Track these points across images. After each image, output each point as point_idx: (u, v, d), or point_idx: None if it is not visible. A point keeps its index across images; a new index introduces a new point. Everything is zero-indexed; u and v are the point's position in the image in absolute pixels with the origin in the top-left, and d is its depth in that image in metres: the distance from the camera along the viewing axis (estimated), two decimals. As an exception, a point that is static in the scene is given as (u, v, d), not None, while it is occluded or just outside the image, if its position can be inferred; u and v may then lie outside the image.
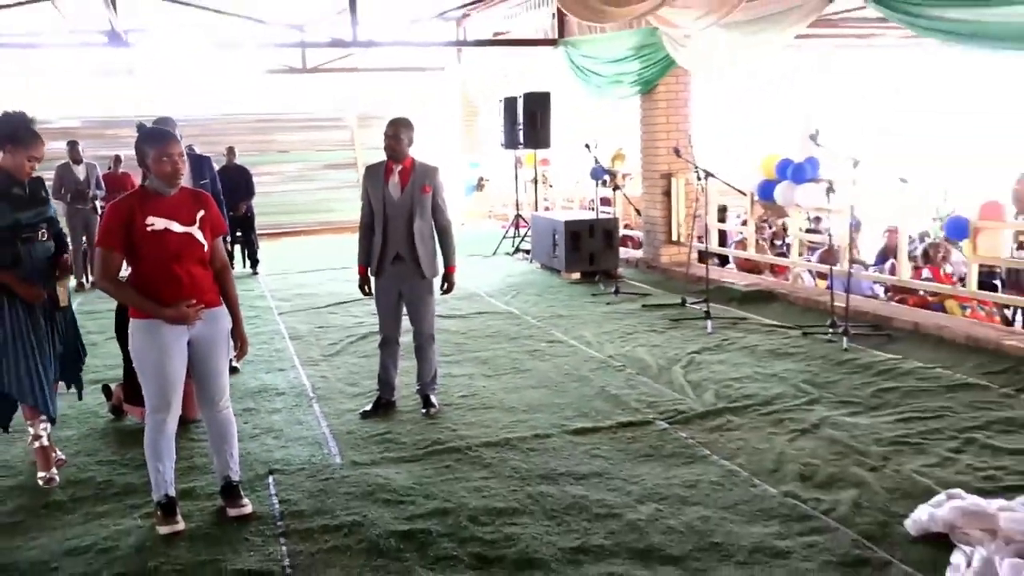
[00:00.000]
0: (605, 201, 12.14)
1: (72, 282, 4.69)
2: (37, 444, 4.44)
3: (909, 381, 5.53)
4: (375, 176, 5.17)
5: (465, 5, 13.98)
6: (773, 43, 7.96)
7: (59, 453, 4.65)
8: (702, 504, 3.89)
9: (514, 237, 12.22)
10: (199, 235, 3.68)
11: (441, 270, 5.31)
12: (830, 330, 6.72)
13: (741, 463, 4.35)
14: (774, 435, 4.71)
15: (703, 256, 11.11)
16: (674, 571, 3.30)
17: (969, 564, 3.19)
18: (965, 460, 4.25)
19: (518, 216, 12.41)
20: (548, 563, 3.40)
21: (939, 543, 3.40)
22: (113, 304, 5.25)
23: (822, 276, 9.82)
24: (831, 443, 4.55)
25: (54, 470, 4.46)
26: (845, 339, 6.44)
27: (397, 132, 5.06)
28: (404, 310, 5.35)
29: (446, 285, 5.35)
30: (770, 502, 3.89)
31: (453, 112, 16.78)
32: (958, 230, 6.80)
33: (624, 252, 11.08)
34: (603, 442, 4.72)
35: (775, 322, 7.33)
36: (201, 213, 3.73)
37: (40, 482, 4.39)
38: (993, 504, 3.56)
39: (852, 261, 11.54)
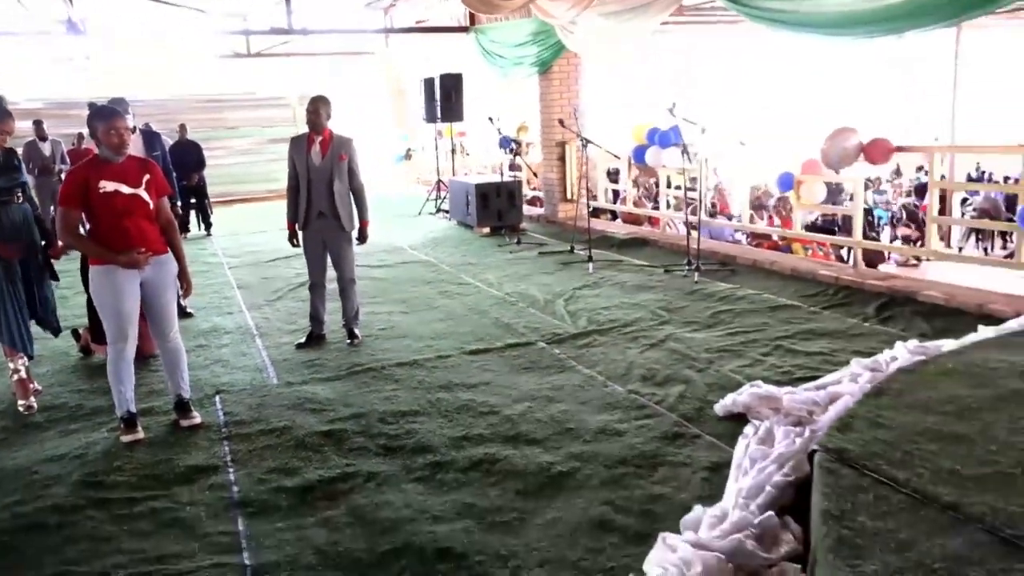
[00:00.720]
0: (516, 167, 12.45)
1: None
2: (16, 377, 4.63)
3: (741, 304, 6.05)
4: (299, 145, 5.40)
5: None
6: (642, 29, 8.31)
7: (36, 384, 4.85)
8: (564, 402, 4.32)
9: (436, 199, 12.47)
10: (145, 195, 3.91)
11: (357, 224, 5.57)
12: (686, 267, 7.22)
13: (599, 371, 4.79)
14: (628, 349, 5.17)
15: (596, 211, 11.58)
16: (535, 449, 3.73)
17: (756, 433, 3.68)
18: (771, 361, 4.77)
19: (439, 181, 12.65)
20: (438, 448, 3.79)
21: (738, 421, 3.88)
22: (79, 263, 5.42)
23: (694, 226, 10.37)
24: (671, 353, 5.02)
25: (32, 399, 4.66)
26: (696, 274, 6.95)
27: (317, 108, 5.29)
28: (328, 259, 5.63)
29: (361, 237, 5.61)
30: (617, 397, 4.34)
31: (383, 91, 16.82)
32: (786, 183, 7.33)
33: (532, 210, 11.47)
34: (493, 360, 5.12)
35: (644, 263, 7.80)
36: (147, 177, 3.95)
37: (20, 408, 4.58)
38: (782, 390, 4.07)
39: (719, 213, 12.18)
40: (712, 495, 3.18)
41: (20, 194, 4.58)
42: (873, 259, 10.82)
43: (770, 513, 2.87)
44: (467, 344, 5.45)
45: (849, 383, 4.06)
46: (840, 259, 10.35)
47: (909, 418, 3.20)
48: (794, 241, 10.26)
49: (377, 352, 5.39)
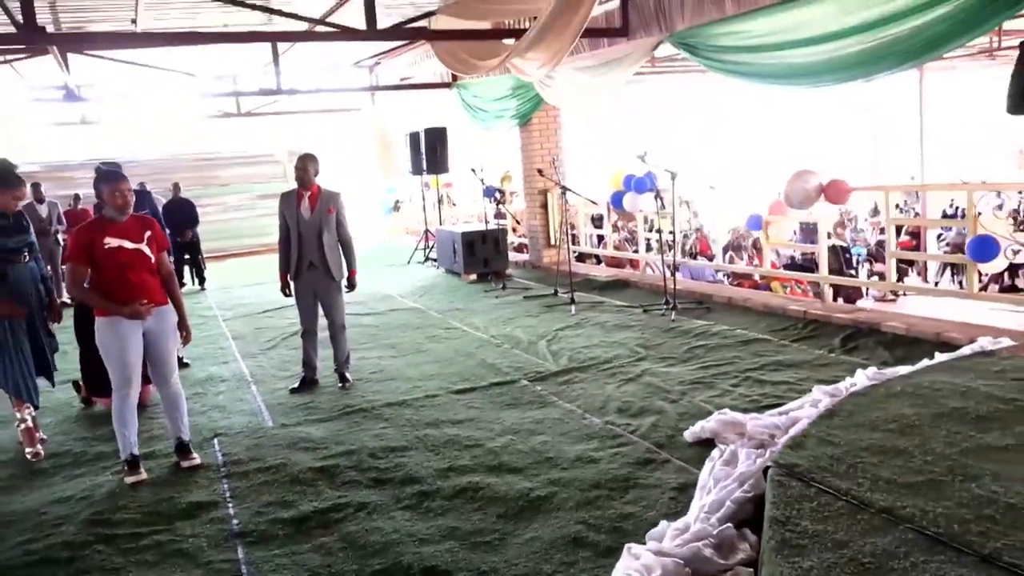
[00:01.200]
0: (501, 215, 12.86)
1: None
2: (24, 426, 4.87)
3: (715, 340, 6.35)
4: (289, 201, 5.75)
5: (376, 55, 14.55)
6: (616, 81, 8.75)
7: (41, 433, 5.07)
8: (544, 434, 4.58)
9: (424, 249, 12.83)
10: (147, 250, 4.21)
11: (346, 273, 5.87)
12: (664, 306, 7.53)
13: (579, 405, 5.06)
14: (607, 384, 5.44)
15: (582, 256, 11.97)
16: (516, 476, 3.98)
17: (722, 455, 3.94)
18: (740, 391, 5.05)
19: (426, 231, 13.03)
20: (425, 479, 4.04)
21: (706, 445, 4.15)
22: (73, 319, 5.72)
23: (677, 267, 10.76)
24: (647, 386, 5.30)
25: (39, 446, 4.90)
26: (673, 312, 7.27)
27: (305, 165, 5.65)
28: (320, 307, 5.92)
29: (350, 285, 5.92)
30: (594, 429, 4.61)
31: (371, 145, 17.33)
32: (755, 224, 7.70)
33: (519, 256, 11.84)
34: (478, 397, 5.39)
35: (625, 303, 8.11)
36: (148, 234, 4.27)
37: (28, 456, 4.81)
38: (747, 416, 4.35)
39: (700, 254, 12.56)
40: (678, 512, 3.44)
41: (28, 254, 4.88)
42: (851, 295, 11.19)
43: (728, 525, 3.13)
44: (454, 384, 5.72)
45: (809, 408, 4.34)
46: (818, 295, 10.66)
47: (856, 435, 3.49)
48: (772, 280, 10.62)
49: (368, 394, 5.66)
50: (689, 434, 4.31)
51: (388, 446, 4.54)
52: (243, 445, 4.75)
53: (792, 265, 12.22)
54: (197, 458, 4.48)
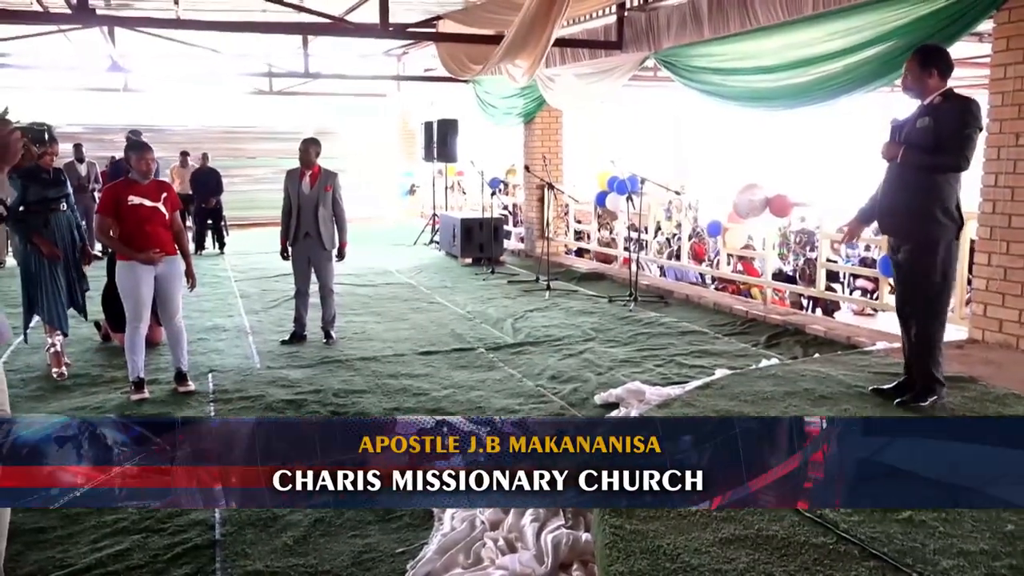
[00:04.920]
0: (507, 206, 13.75)
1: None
2: (53, 350, 5.84)
3: (659, 329, 7.16)
4: (293, 177, 6.67)
5: (404, 45, 15.46)
6: (609, 89, 9.56)
7: (67, 359, 6.04)
8: (483, 391, 5.44)
9: (432, 231, 13.73)
10: (162, 208, 5.14)
11: (337, 244, 6.78)
12: (627, 298, 8.35)
13: (520, 371, 5.92)
14: (551, 357, 6.29)
15: (580, 251, 12.79)
16: (446, 416, 4.85)
17: (619, 415, 4.78)
18: (659, 370, 5.87)
19: (434, 215, 13.93)
20: (372, 414, 4.93)
21: (611, 408, 4.99)
22: (101, 270, 6.69)
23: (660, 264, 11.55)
24: (583, 361, 6.15)
25: (63, 368, 5.86)
26: (633, 304, 8.08)
27: (307, 148, 6.59)
28: (313, 273, 6.83)
29: (340, 255, 6.82)
30: (525, 389, 5.47)
31: (393, 129, 18.26)
32: (714, 229, 8.47)
33: (519, 245, 12.70)
34: (438, 359, 6.27)
35: (595, 293, 8.94)
36: (164, 195, 5.19)
37: (54, 375, 5.77)
38: (650, 387, 5.18)
39: (695, 258, 13.30)
40: (565, 451, 4.28)
41: (65, 204, 5.84)
42: (828, 307, 11.87)
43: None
44: (420, 347, 6.61)
45: (704, 385, 5.16)
46: (797, 305, 11.35)
47: (714, 402, 4.32)
48: (753, 286, 11.37)
49: (346, 349, 6.56)
50: (599, 398, 5.15)
51: (350, 389, 5.44)
52: (231, 380, 5.68)
53: (779, 275, 12.92)
54: (192, 385, 5.41)
